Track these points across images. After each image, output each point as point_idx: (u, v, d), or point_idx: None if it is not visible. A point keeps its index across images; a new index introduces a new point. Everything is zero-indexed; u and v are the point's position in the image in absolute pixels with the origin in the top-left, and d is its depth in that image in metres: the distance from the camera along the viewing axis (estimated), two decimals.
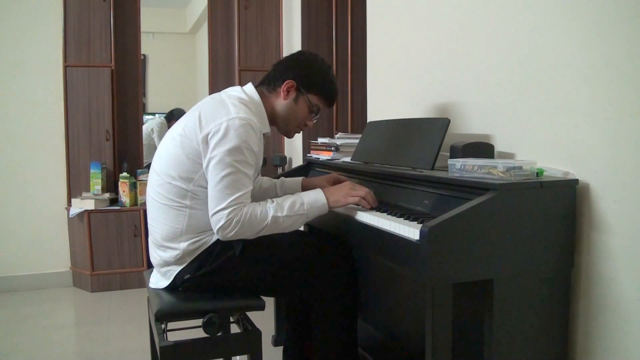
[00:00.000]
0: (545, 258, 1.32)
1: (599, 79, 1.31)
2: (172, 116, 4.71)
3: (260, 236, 1.56)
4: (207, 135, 1.52)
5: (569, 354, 1.39)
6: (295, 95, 1.71)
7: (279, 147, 4.01)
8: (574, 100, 1.38)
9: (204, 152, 1.53)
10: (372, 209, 1.62)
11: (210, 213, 1.51)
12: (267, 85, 1.74)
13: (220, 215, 1.49)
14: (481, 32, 1.74)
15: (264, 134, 1.67)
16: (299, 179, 1.99)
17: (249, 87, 1.72)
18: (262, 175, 1.96)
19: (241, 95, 1.66)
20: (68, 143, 3.52)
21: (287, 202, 1.56)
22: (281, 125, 1.76)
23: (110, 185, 3.61)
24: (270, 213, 1.53)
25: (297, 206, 1.57)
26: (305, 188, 1.91)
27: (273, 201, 1.56)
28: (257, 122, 1.58)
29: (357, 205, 1.63)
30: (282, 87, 1.70)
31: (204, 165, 1.54)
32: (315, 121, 1.78)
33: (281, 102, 1.72)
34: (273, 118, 1.74)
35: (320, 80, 1.73)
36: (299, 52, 1.83)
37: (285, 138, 3.96)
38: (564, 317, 1.38)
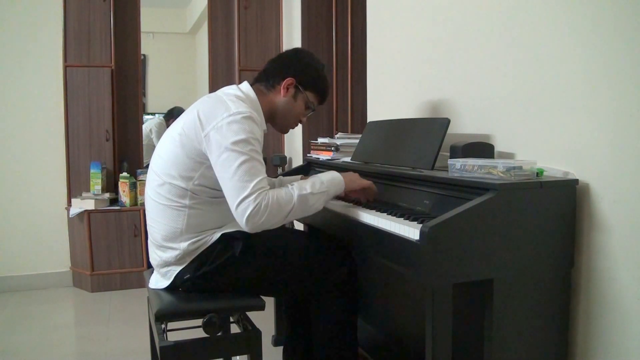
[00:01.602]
0: (545, 258, 1.32)
1: (599, 78, 1.31)
2: (172, 115, 4.70)
3: (260, 236, 1.54)
4: (210, 132, 1.52)
5: (569, 354, 1.39)
6: (294, 92, 1.73)
7: (279, 147, 4.00)
8: (574, 100, 1.38)
9: (209, 149, 1.51)
10: (371, 206, 1.64)
11: (234, 204, 1.45)
12: (264, 82, 1.75)
13: (247, 203, 1.43)
14: (481, 32, 1.74)
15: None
16: (298, 177, 1.99)
17: (245, 86, 1.72)
18: None
19: (237, 93, 1.66)
20: (68, 143, 3.52)
21: (307, 182, 1.56)
22: (279, 121, 1.78)
23: (110, 185, 3.61)
24: (296, 192, 1.51)
25: (317, 185, 1.57)
26: None
27: (292, 184, 1.55)
28: (257, 117, 1.59)
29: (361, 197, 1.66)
30: (282, 84, 1.71)
31: (213, 162, 1.51)
32: (306, 117, 1.82)
33: (281, 99, 1.73)
34: (271, 114, 1.75)
35: (317, 78, 1.76)
36: (295, 50, 1.84)
37: (285, 138, 3.96)
38: (564, 317, 1.38)
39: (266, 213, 1.44)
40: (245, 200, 1.44)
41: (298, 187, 1.53)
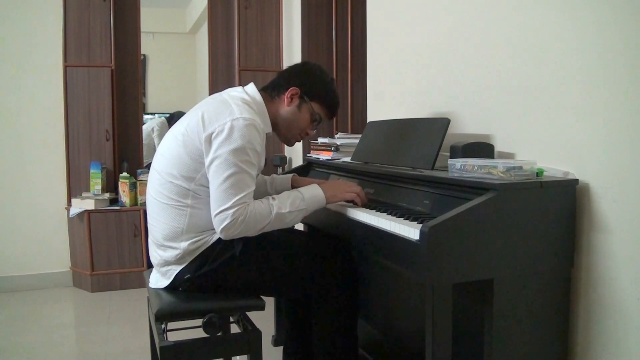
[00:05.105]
0: (545, 258, 1.32)
1: (599, 78, 1.31)
2: (173, 118, 4.71)
3: (260, 236, 1.57)
4: (211, 134, 1.52)
5: (569, 354, 1.40)
6: (298, 102, 1.72)
7: (279, 147, 4.00)
8: (574, 100, 1.38)
9: (207, 151, 1.53)
10: (364, 206, 1.66)
11: (214, 213, 1.51)
12: (270, 90, 1.75)
13: (225, 215, 1.49)
14: (481, 32, 1.74)
15: (266, 134, 1.67)
16: (289, 176, 1.98)
17: (251, 87, 1.72)
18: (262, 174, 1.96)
19: (243, 96, 1.66)
20: (68, 143, 3.52)
21: (288, 198, 1.59)
22: (283, 132, 1.77)
23: (110, 185, 3.60)
24: (274, 210, 1.55)
25: (297, 202, 1.60)
26: (295, 186, 1.91)
27: (274, 198, 1.58)
28: (260, 122, 1.59)
29: (350, 202, 1.68)
30: (287, 93, 1.71)
31: (206, 165, 1.54)
32: (315, 130, 1.80)
33: (285, 109, 1.73)
34: (275, 124, 1.75)
35: (323, 90, 1.75)
36: (304, 62, 1.85)
37: None
38: (564, 317, 1.38)
39: (241, 227, 1.51)
40: (224, 212, 1.49)
41: (278, 204, 1.56)
